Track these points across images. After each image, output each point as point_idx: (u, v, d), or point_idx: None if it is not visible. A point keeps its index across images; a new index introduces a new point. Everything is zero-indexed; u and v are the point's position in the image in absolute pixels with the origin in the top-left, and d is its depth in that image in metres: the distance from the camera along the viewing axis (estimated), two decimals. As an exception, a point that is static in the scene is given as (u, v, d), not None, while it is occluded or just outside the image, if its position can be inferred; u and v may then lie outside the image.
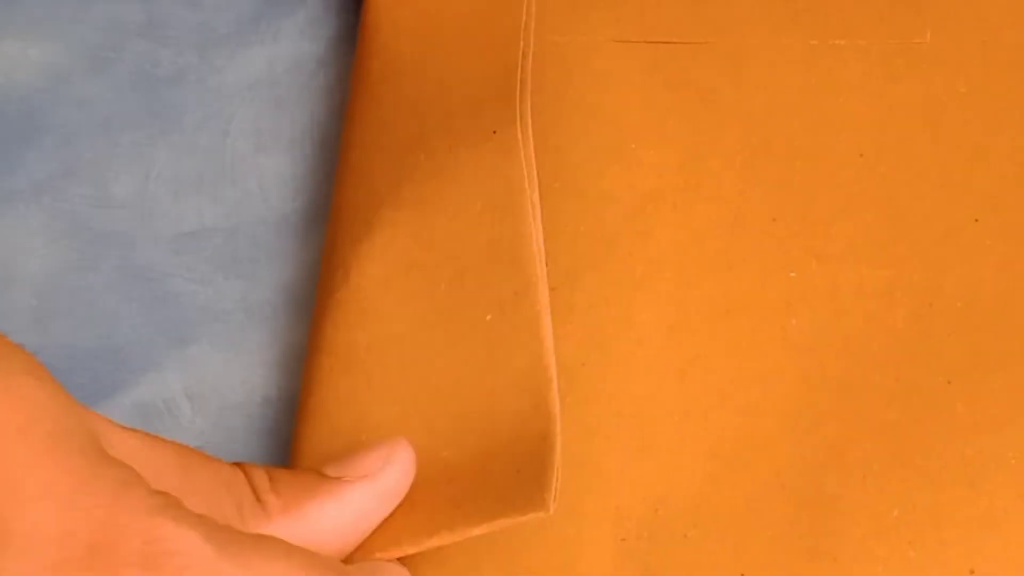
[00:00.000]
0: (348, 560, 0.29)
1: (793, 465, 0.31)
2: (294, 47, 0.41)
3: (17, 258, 0.37)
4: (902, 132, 0.37)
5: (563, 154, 0.37)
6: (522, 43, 0.37)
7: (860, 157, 0.37)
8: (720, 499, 0.30)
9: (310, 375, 0.33)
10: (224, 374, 0.36)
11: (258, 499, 0.28)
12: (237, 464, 0.28)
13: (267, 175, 0.39)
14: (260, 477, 0.28)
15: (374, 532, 0.29)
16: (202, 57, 0.42)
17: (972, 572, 0.29)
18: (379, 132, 0.37)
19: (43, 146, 0.35)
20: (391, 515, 0.29)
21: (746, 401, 0.32)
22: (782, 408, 0.32)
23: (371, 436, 0.31)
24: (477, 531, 0.28)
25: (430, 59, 0.38)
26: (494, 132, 0.35)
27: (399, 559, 0.29)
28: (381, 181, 0.35)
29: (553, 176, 0.36)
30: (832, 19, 0.40)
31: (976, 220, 0.35)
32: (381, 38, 0.39)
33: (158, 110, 0.41)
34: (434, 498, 0.30)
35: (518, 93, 0.36)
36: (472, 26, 0.38)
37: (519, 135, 0.34)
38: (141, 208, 0.36)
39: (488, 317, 0.32)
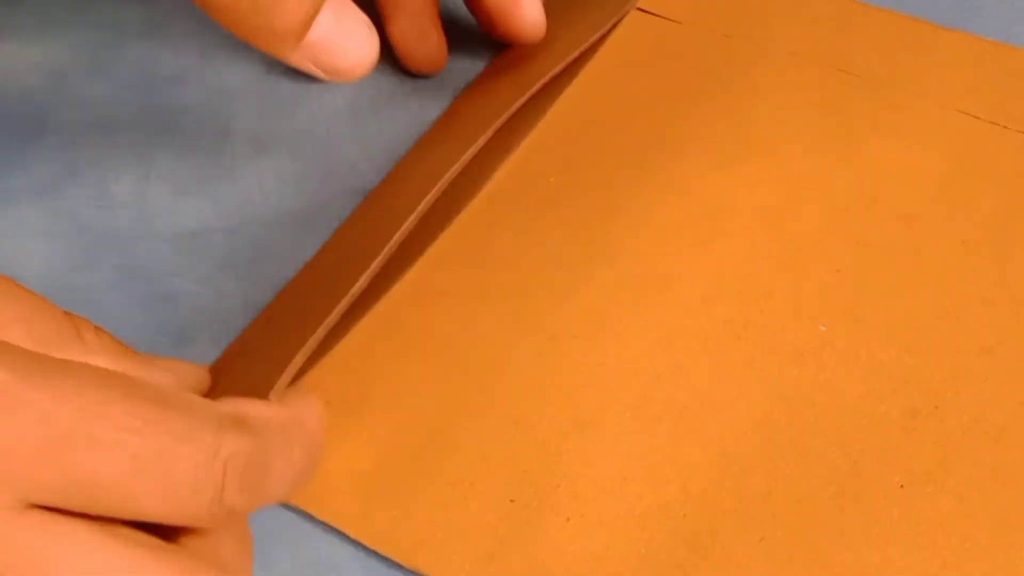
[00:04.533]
0: None
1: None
2: (294, 47, 0.41)
3: (17, 258, 0.37)
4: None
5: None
6: None
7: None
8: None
9: None
10: (224, 374, 0.35)
11: (79, 336, 0.27)
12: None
13: (267, 175, 0.39)
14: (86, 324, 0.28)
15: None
16: (202, 57, 0.42)
17: None
18: None
19: (43, 146, 0.35)
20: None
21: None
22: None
23: None
24: None
25: None
26: None
27: None
28: None
29: None
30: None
31: None
32: None
33: (158, 110, 0.41)
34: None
35: None
36: None
37: None
38: (141, 208, 0.36)
39: None
